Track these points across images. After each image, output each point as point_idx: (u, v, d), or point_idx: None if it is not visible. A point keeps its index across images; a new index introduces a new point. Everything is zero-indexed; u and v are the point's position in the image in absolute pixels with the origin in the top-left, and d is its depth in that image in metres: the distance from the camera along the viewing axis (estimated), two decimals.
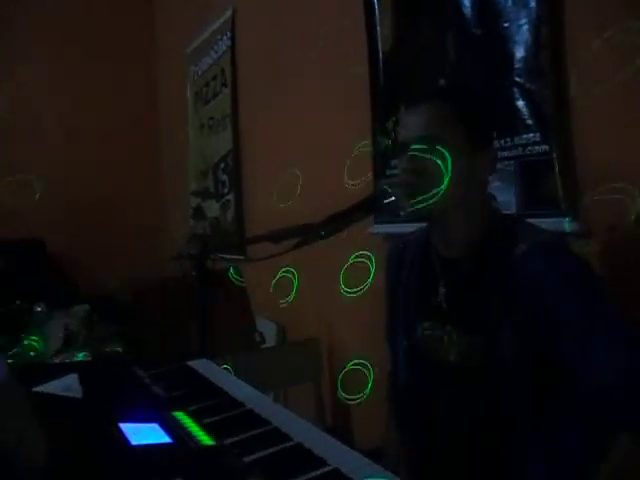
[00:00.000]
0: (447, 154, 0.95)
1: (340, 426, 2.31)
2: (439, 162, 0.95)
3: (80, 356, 2.29)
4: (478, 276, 0.99)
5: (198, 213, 3.67)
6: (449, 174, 0.95)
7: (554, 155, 1.29)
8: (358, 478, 0.69)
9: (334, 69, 2.17)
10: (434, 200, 0.96)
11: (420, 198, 0.95)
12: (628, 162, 1.17)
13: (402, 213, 1.00)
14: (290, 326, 2.64)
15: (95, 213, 4.04)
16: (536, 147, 1.33)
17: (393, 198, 0.94)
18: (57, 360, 2.27)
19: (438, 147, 0.96)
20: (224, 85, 3.17)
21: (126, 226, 4.11)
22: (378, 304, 1.30)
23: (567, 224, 1.26)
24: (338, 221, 0.92)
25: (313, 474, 0.70)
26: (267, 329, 2.57)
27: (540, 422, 0.92)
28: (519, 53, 1.35)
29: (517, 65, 1.36)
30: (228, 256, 2.86)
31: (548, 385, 0.92)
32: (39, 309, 2.85)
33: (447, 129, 0.97)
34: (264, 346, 2.19)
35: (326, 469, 0.72)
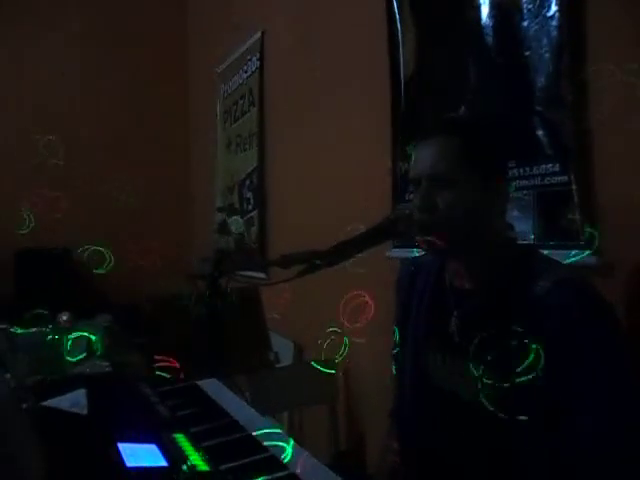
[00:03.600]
0: (457, 190, 0.95)
1: (353, 450, 2.28)
2: (448, 200, 0.94)
3: (98, 366, 2.33)
4: (494, 310, 0.97)
5: (223, 229, 3.72)
6: (458, 211, 0.94)
7: (574, 186, 1.26)
8: None
9: (359, 91, 2.19)
10: (445, 238, 0.95)
11: (430, 234, 0.94)
12: None
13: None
14: (307, 346, 2.64)
15: (123, 225, 4.12)
16: (555, 177, 1.30)
17: (401, 230, 0.94)
18: (78, 369, 2.31)
19: (446, 186, 0.95)
20: (252, 104, 3.22)
21: (153, 239, 4.17)
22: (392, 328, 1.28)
23: (587, 257, 1.23)
24: (344, 249, 0.92)
25: None
26: (283, 347, 2.57)
27: (547, 463, 0.90)
28: (540, 82, 1.34)
29: (538, 94, 1.34)
30: (249, 274, 2.89)
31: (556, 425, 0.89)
32: (64, 318, 2.92)
33: (456, 165, 0.96)
34: (279, 365, 2.19)
35: None
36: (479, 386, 0.98)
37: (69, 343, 2.65)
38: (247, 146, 3.32)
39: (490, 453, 0.96)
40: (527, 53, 1.37)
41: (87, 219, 3.99)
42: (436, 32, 1.71)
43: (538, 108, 1.34)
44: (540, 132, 1.34)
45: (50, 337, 2.61)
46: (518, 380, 0.90)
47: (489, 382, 0.95)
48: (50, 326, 2.73)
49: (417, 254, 1.61)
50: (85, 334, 2.64)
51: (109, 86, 4.28)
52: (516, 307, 0.94)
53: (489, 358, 0.96)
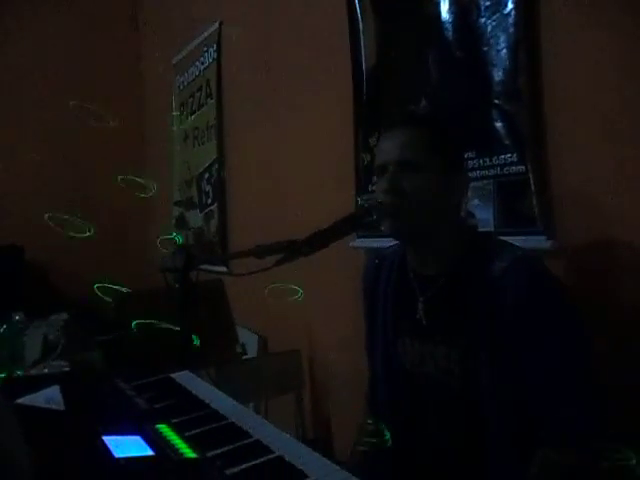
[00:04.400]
0: (423, 176, 1.00)
1: (321, 438, 2.32)
2: (415, 184, 0.99)
3: (58, 366, 2.27)
4: (456, 292, 1.03)
5: (181, 223, 3.67)
6: (424, 196, 1.00)
7: (530, 175, 1.33)
8: None
9: (319, 83, 2.21)
10: (412, 220, 1.00)
11: (397, 217, 0.99)
12: (601, 182, 1.21)
13: (382, 230, 1.04)
14: (271, 337, 2.66)
15: (79, 220, 3.99)
16: (513, 167, 1.37)
17: (374, 217, 0.98)
18: (35, 370, 2.25)
19: (413, 171, 1.01)
20: (209, 96, 3.19)
21: (109, 234, 4.07)
22: (359, 316, 1.32)
23: (543, 242, 1.31)
24: (321, 239, 0.95)
25: None
26: (248, 340, 2.58)
27: (515, 431, 0.95)
28: (498, 76, 1.40)
29: (496, 87, 1.41)
30: (211, 268, 2.87)
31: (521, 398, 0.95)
32: (17, 317, 2.82)
33: (421, 155, 1.02)
34: (245, 357, 2.20)
35: None
36: (448, 367, 1.03)
37: (24, 343, 2.57)
38: (205, 139, 3.28)
39: (463, 431, 1.01)
40: (485, 48, 1.43)
41: (40, 214, 3.85)
42: (397, 25, 1.75)
43: (496, 101, 1.40)
44: (498, 124, 1.40)
45: (4, 337, 2.52)
46: (482, 358, 0.95)
47: (455, 360, 1.01)
48: (4, 326, 2.64)
49: (380, 244, 1.66)
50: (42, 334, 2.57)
51: (61, 79, 4.13)
52: (475, 288, 0.99)
53: (454, 339, 1.01)
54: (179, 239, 3.20)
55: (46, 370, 2.26)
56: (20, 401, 0.99)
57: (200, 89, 3.32)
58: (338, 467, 0.78)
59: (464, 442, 1.01)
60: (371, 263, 1.25)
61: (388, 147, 1.05)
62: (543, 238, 1.31)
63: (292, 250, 0.94)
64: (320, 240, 0.94)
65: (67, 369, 2.22)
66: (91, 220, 4.08)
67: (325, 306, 2.21)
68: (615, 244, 1.20)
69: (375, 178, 1.10)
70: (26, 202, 3.82)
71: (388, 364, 1.17)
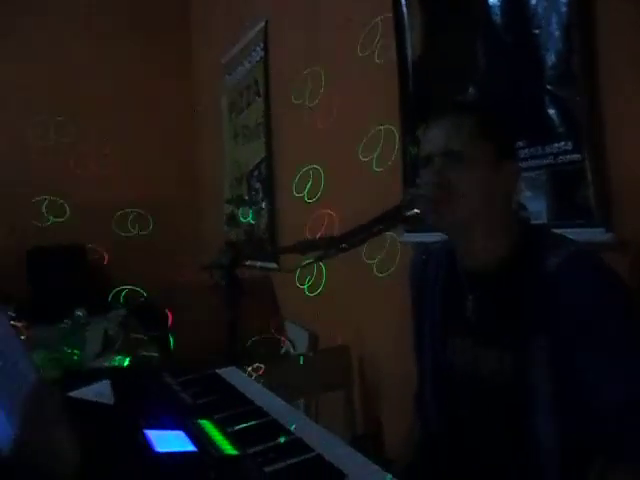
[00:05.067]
0: (469, 168, 0.95)
1: (371, 434, 2.30)
2: (462, 176, 0.95)
3: (117, 360, 2.36)
4: (508, 289, 0.97)
5: (232, 220, 3.73)
6: (472, 188, 0.95)
7: (586, 164, 1.26)
8: None
9: (366, 76, 2.18)
10: (458, 214, 0.95)
11: (444, 211, 0.95)
12: None
13: (428, 224, 1.00)
14: (322, 335, 2.65)
15: (134, 220, 4.14)
16: (567, 156, 1.30)
17: (417, 211, 0.94)
18: (96, 364, 2.34)
19: (460, 161, 0.96)
20: (257, 95, 3.22)
21: (164, 233, 4.20)
22: (407, 313, 1.29)
23: (600, 235, 1.23)
24: (360, 233, 0.93)
25: None
26: (299, 337, 2.59)
27: (568, 446, 0.90)
28: (550, 60, 1.33)
29: (548, 72, 1.33)
30: (260, 264, 2.90)
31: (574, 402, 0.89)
32: (79, 314, 2.96)
33: (469, 144, 0.96)
34: (294, 354, 2.21)
35: None
36: (500, 368, 0.98)
37: (86, 338, 2.69)
38: (254, 137, 3.32)
39: (513, 433, 0.96)
40: (536, 31, 1.36)
41: (98, 215, 4.02)
42: (443, 13, 1.70)
43: (549, 86, 1.33)
44: (551, 110, 1.33)
45: (68, 332, 2.65)
46: (536, 360, 0.90)
47: (508, 362, 0.96)
48: (68, 322, 2.77)
49: (429, 238, 1.62)
50: (102, 329, 2.68)
51: (113, 82, 4.30)
52: (528, 285, 0.94)
53: (506, 340, 0.96)
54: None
55: (106, 364, 2.36)
56: (72, 394, 1.03)
57: (249, 88, 3.35)
58: (378, 467, 0.76)
59: (511, 453, 0.96)
60: (418, 259, 1.21)
61: (433, 137, 1.01)
62: (601, 230, 1.23)
63: (331, 245, 0.92)
64: (359, 235, 0.92)
65: (124, 363, 2.31)
66: (147, 220, 4.24)
67: (374, 302, 2.18)
68: None
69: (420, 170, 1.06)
70: (89, 202, 3.99)
71: (437, 365, 1.12)
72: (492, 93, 1.50)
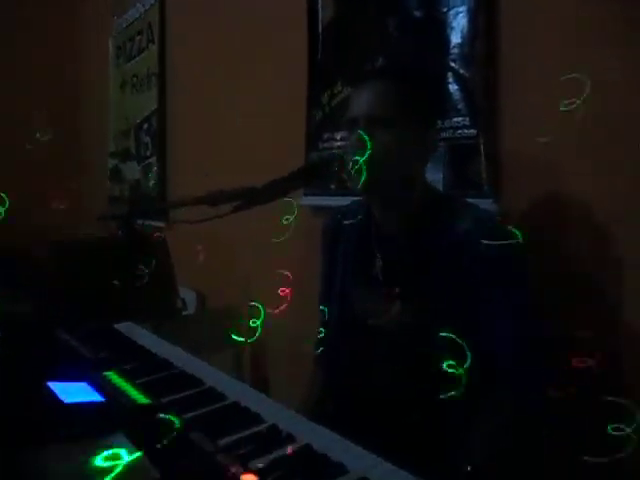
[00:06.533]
0: (393, 132, 0.99)
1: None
2: (383, 141, 0.98)
3: None
4: (416, 250, 1.04)
5: (116, 175, 3.51)
6: (392, 153, 0.99)
7: (480, 140, 1.37)
8: (295, 432, 0.71)
9: (272, 34, 2.14)
10: (376, 176, 0.99)
11: (362, 173, 0.98)
12: (550, 154, 1.26)
13: (348, 185, 1.03)
14: (210, 295, 2.63)
15: (12, 166, 3.70)
16: (465, 131, 1.40)
17: (336, 169, 0.97)
18: None
19: (383, 126, 0.99)
20: (151, 41, 3.02)
21: (44, 181, 3.80)
22: (301, 273, 1.32)
23: (488, 205, 1.35)
24: (280, 187, 0.93)
25: (252, 430, 0.72)
26: (187, 297, 2.54)
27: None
28: (455, 39, 1.41)
29: (453, 51, 1.41)
30: (150, 223, 2.78)
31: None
32: None
33: (393, 110, 1.00)
34: (185, 313, 2.17)
35: (264, 425, 0.74)
36: (402, 320, 1.05)
37: None
38: (145, 87, 3.12)
39: (413, 383, 1.04)
40: (444, 10, 1.43)
41: None
42: None
43: (453, 64, 1.41)
44: (453, 87, 1.42)
45: None
46: (438, 311, 0.98)
47: (411, 316, 1.03)
48: None
49: (327, 202, 1.66)
50: None
51: None
52: (436, 248, 1.02)
53: (410, 295, 1.04)
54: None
55: None
56: None
57: (140, 33, 3.13)
58: (293, 412, 0.79)
59: (413, 393, 1.04)
60: (333, 218, 1.25)
61: (360, 100, 1.04)
62: (489, 201, 1.35)
63: (251, 197, 0.91)
64: (279, 188, 0.93)
65: None
66: (27, 166, 3.80)
67: (265, 263, 2.20)
68: (558, 208, 1.26)
69: (345, 132, 1.08)
70: None
71: (344, 317, 1.18)
72: (400, 65, 1.55)
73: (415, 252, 1.04)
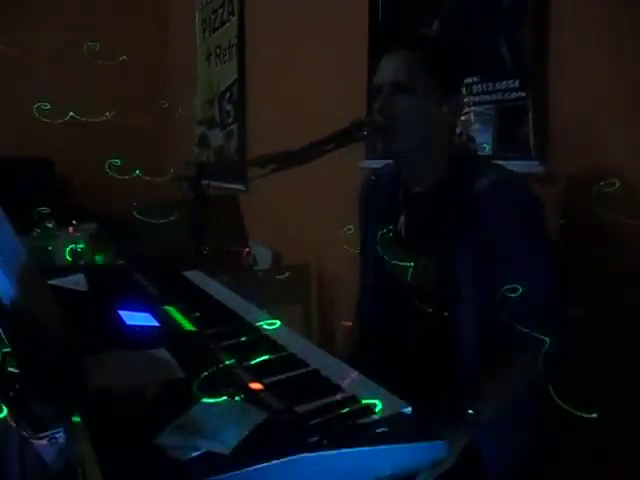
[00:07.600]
0: (415, 98, 1.06)
1: (325, 346, 2.50)
2: (407, 107, 1.05)
3: None
4: (438, 207, 1.11)
5: (203, 142, 3.76)
6: (416, 118, 1.06)
7: (529, 102, 1.37)
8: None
9: (340, 4, 2.21)
10: (402, 141, 1.06)
11: (389, 138, 1.06)
12: (598, 119, 1.25)
13: (377, 148, 1.11)
14: (284, 253, 2.80)
15: (106, 137, 4.08)
16: (514, 93, 1.41)
17: (365, 133, 1.05)
18: None
19: (407, 93, 1.06)
20: (231, 14, 3.17)
21: (134, 150, 4.16)
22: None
23: (535, 167, 1.37)
24: (314, 149, 1.03)
25: (296, 372, 0.80)
26: (262, 255, 2.72)
27: (485, 335, 1.06)
28: (506, 3, 1.41)
29: (505, 12, 1.42)
30: (228, 185, 2.99)
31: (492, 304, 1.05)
32: (49, 225, 3.00)
33: (416, 77, 1.06)
34: (256, 268, 2.35)
35: (308, 369, 0.82)
36: (427, 277, 1.13)
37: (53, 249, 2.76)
38: (227, 58, 3.30)
39: (439, 328, 1.12)
40: None
41: (68, 130, 3.95)
42: None
43: (504, 27, 1.42)
44: (504, 49, 1.42)
45: (38, 241, 2.71)
46: (461, 263, 1.05)
47: (433, 269, 1.11)
48: (37, 231, 2.82)
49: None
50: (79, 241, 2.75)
51: None
52: (457, 203, 1.07)
53: (433, 251, 1.10)
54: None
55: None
56: (51, 282, 1.15)
57: (222, 5, 3.29)
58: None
59: (439, 345, 1.11)
60: (368, 180, 1.33)
61: (384, 68, 1.11)
62: (536, 163, 1.37)
63: (286, 158, 1.02)
64: (314, 150, 1.03)
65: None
66: (119, 137, 4.17)
67: (334, 224, 2.31)
68: (605, 175, 1.25)
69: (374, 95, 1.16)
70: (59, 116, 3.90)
71: (376, 275, 1.27)
72: (454, 29, 1.57)
73: (434, 208, 1.11)
